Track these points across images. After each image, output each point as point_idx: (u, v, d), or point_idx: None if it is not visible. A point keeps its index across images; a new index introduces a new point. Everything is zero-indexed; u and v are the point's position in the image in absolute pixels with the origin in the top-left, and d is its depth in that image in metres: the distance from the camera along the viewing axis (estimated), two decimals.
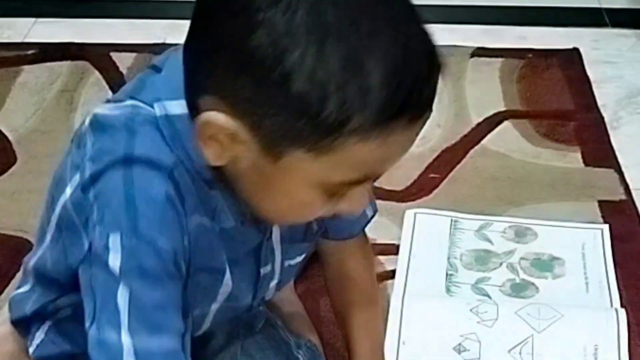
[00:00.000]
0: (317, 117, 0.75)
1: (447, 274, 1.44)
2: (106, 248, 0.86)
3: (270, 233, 1.01)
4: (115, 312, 0.87)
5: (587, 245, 1.49)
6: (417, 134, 0.82)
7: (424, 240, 1.49)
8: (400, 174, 1.66)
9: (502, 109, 1.84)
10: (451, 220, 1.54)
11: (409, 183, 1.64)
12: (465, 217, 1.54)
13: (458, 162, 1.69)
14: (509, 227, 1.53)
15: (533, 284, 1.42)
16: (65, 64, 1.96)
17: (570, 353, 1.28)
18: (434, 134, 1.77)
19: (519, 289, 1.41)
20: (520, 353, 1.29)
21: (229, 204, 0.93)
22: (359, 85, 0.75)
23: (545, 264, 1.46)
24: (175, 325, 0.89)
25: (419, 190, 1.62)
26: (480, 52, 2.01)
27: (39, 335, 1.06)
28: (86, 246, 0.88)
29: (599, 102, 1.86)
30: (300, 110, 0.75)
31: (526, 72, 1.95)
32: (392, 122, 0.77)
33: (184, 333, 0.91)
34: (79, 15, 2.14)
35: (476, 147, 1.73)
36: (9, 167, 1.68)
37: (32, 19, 2.14)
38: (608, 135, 1.76)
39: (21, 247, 1.43)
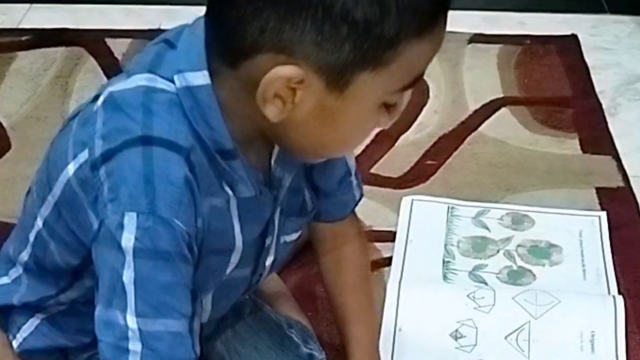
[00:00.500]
0: (381, 34, 0.80)
1: (444, 261, 1.43)
2: (120, 226, 0.85)
3: (281, 202, 1.01)
4: (123, 293, 0.87)
5: (584, 233, 1.49)
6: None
7: (421, 227, 1.49)
8: (397, 160, 1.66)
9: (500, 95, 1.83)
10: (448, 207, 1.53)
11: (406, 170, 1.64)
12: (463, 204, 1.54)
13: (455, 149, 1.69)
14: (506, 214, 1.52)
15: (530, 271, 1.42)
16: (60, 50, 1.95)
17: (567, 339, 1.28)
18: (431, 120, 1.76)
19: (516, 276, 1.41)
20: (517, 339, 1.29)
21: (249, 174, 0.93)
22: None
23: (542, 251, 1.46)
24: (183, 308, 0.89)
25: (416, 177, 1.62)
26: (478, 38, 2.00)
27: (27, 328, 1.05)
28: (95, 225, 0.88)
29: (597, 89, 1.85)
30: (365, 33, 0.80)
31: (524, 58, 1.95)
32: (436, 22, 0.85)
33: (193, 317, 0.91)
34: (73, 1, 2.13)
35: (474, 134, 1.73)
36: (3, 154, 1.68)
37: (27, 5, 2.13)
38: (606, 122, 1.76)
39: None
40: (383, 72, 0.83)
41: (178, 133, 0.87)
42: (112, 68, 1.84)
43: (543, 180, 1.62)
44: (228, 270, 0.99)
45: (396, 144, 1.70)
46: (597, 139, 1.72)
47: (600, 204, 1.56)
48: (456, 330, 1.30)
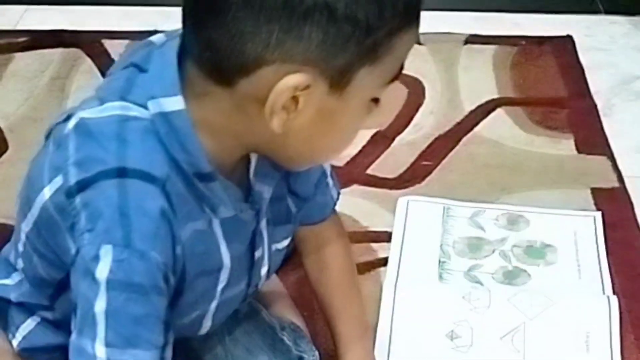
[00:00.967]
0: (379, 29, 0.83)
1: (439, 262, 1.44)
2: (96, 258, 0.86)
3: (263, 215, 1.02)
4: (93, 323, 0.87)
5: (579, 233, 1.49)
6: None
7: (416, 228, 1.49)
8: (393, 161, 1.66)
9: (495, 96, 1.84)
10: (444, 207, 1.54)
11: (401, 170, 1.64)
12: (458, 204, 1.54)
13: (451, 150, 1.69)
14: (502, 214, 1.53)
15: (525, 271, 1.42)
16: (57, 52, 1.95)
17: (562, 340, 1.29)
18: (427, 121, 1.77)
19: (511, 276, 1.41)
20: (512, 340, 1.29)
21: (229, 194, 0.93)
22: None
23: (537, 252, 1.46)
24: (153, 339, 0.89)
25: (411, 177, 1.62)
26: (474, 39, 2.01)
27: (26, 327, 1.06)
28: (73, 250, 0.88)
29: (592, 89, 1.86)
30: (367, 31, 0.82)
31: (519, 59, 1.95)
32: (419, 12, 0.88)
33: (165, 346, 0.91)
34: (70, 3, 2.13)
35: (469, 135, 1.73)
36: (1, 155, 1.68)
37: (24, 6, 2.13)
38: (601, 123, 1.77)
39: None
40: (379, 65, 0.85)
41: (153, 162, 0.87)
42: (109, 69, 1.83)
43: (538, 180, 1.62)
44: (219, 288, 0.99)
45: (392, 145, 1.70)
46: (592, 139, 1.73)
47: (595, 204, 1.56)
48: (452, 331, 1.30)
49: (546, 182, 1.62)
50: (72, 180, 0.87)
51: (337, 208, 1.53)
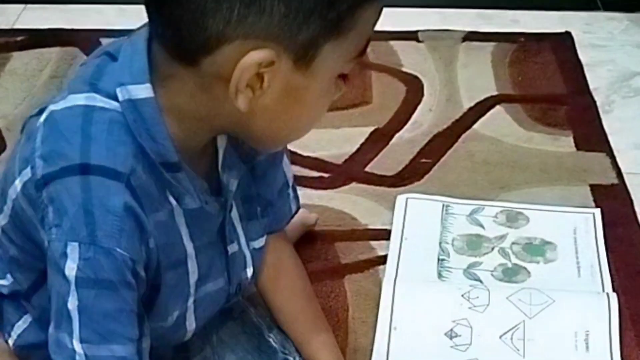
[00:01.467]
0: (342, 2, 0.83)
1: (438, 259, 1.43)
2: (64, 255, 0.87)
3: (231, 208, 1.02)
4: (68, 319, 0.88)
5: (578, 230, 1.49)
6: None
7: (415, 226, 1.49)
8: (391, 159, 1.66)
9: (494, 93, 1.84)
10: (443, 205, 1.54)
11: (400, 168, 1.64)
12: (457, 201, 1.54)
13: (450, 147, 1.69)
14: (501, 211, 1.53)
15: (525, 268, 1.42)
16: (55, 50, 1.95)
17: (561, 338, 1.29)
18: (425, 118, 1.77)
19: (510, 274, 1.41)
20: (511, 338, 1.29)
21: (194, 185, 0.93)
22: None
23: (536, 249, 1.46)
24: (128, 333, 0.90)
25: (410, 175, 1.62)
26: (472, 36, 2.00)
27: (21, 325, 1.06)
28: (46, 243, 0.89)
29: (591, 86, 1.85)
30: (329, 4, 0.82)
31: (518, 56, 1.95)
32: None
33: (141, 338, 0.92)
34: (68, 1, 2.13)
35: (468, 132, 1.73)
36: None
37: (21, 5, 2.13)
38: (600, 119, 1.76)
39: None
40: (344, 40, 0.85)
41: (117, 157, 0.87)
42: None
43: (537, 177, 1.62)
44: (191, 282, 0.99)
45: (391, 143, 1.70)
46: (591, 136, 1.72)
47: (595, 201, 1.56)
48: (451, 330, 1.30)
49: (545, 179, 1.61)
50: (39, 173, 0.88)
51: (336, 206, 1.54)
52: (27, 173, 0.90)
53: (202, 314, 1.05)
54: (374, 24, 0.88)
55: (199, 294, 1.02)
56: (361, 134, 1.71)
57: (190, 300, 1.01)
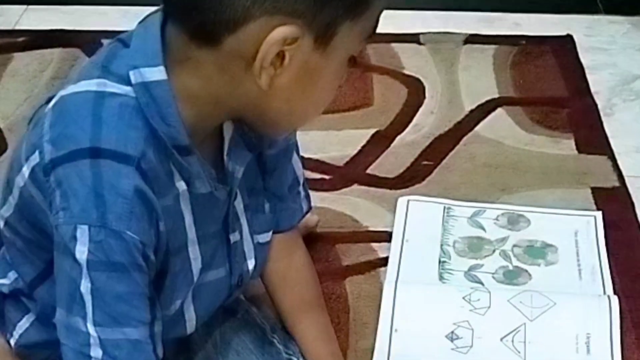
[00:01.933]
0: None
1: (440, 261, 1.43)
2: (73, 238, 0.87)
3: (235, 196, 1.02)
4: (81, 302, 0.88)
5: (580, 233, 1.49)
6: None
7: (416, 228, 1.49)
8: (393, 161, 1.66)
9: (496, 95, 1.84)
10: (444, 207, 1.54)
11: (402, 170, 1.64)
12: (458, 204, 1.54)
13: (451, 149, 1.69)
14: (502, 214, 1.53)
15: (526, 271, 1.42)
16: (56, 51, 1.95)
17: (562, 341, 1.28)
18: (427, 121, 1.77)
19: (511, 276, 1.41)
20: (512, 341, 1.29)
21: (204, 170, 0.94)
22: None
23: (538, 251, 1.46)
24: (140, 316, 0.90)
25: (412, 177, 1.62)
26: (474, 39, 2.00)
27: (23, 325, 1.06)
28: (55, 230, 0.89)
29: (593, 89, 1.86)
30: None
31: (519, 59, 1.95)
32: None
33: (153, 322, 0.92)
34: (69, 2, 2.13)
35: (469, 134, 1.73)
36: (0, 155, 1.67)
37: (23, 6, 2.13)
38: (601, 122, 1.76)
39: None
40: (359, 20, 0.87)
41: (127, 142, 0.87)
42: None
43: (539, 180, 1.62)
44: (195, 270, 1.00)
45: (392, 145, 1.70)
46: (593, 139, 1.72)
47: (596, 203, 1.56)
48: (452, 332, 1.30)
49: (546, 182, 1.61)
50: (47, 157, 0.88)
51: (338, 208, 1.54)
52: (35, 158, 0.90)
53: (202, 304, 1.04)
54: (384, 6, 0.90)
55: (199, 281, 1.02)
56: (363, 136, 1.71)
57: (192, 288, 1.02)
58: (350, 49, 0.90)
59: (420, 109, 1.80)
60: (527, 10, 2.11)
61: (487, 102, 1.81)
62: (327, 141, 1.69)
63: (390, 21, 1.99)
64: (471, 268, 1.42)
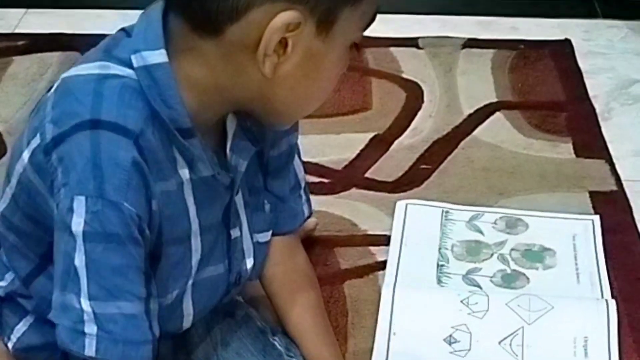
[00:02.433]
0: None
1: (438, 265, 1.44)
2: (70, 210, 0.87)
3: (237, 190, 1.03)
4: (75, 277, 0.88)
5: (578, 236, 1.49)
6: None
7: (415, 231, 1.49)
8: (391, 165, 1.67)
9: (494, 100, 1.84)
10: (442, 211, 1.54)
11: (400, 174, 1.64)
12: (457, 208, 1.55)
13: (450, 153, 1.69)
14: (500, 218, 1.53)
15: (524, 274, 1.42)
16: (56, 55, 1.95)
17: (560, 345, 1.29)
18: (425, 125, 1.77)
19: (509, 280, 1.41)
20: (510, 344, 1.29)
21: (206, 154, 0.94)
22: None
23: (536, 255, 1.46)
24: (136, 290, 0.90)
25: (410, 181, 1.62)
26: (472, 43, 2.01)
27: (21, 328, 1.06)
28: (55, 210, 0.89)
29: (591, 93, 1.86)
30: None
31: (518, 63, 1.95)
32: None
33: (149, 298, 0.92)
34: (69, 6, 2.13)
35: (467, 138, 1.73)
36: (0, 158, 1.68)
37: (23, 10, 2.13)
38: (599, 126, 1.77)
39: None
40: (359, 6, 0.88)
41: (127, 117, 0.88)
42: None
43: (537, 184, 1.62)
44: (193, 261, 1.00)
45: (390, 149, 1.71)
46: (591, 143, 1.73)
47: (594, 207, 1.57)
48: (450, 335, 1.30)
49: (545, 186, 1.62)
50: (49, 136, 0.88)
51: (336, 211, 1.55)
52: (36, 140, 0.90)
53: (201, 299, 1.04)
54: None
55: (199, 275, 1.02)
56: (361, 139, 1.72)
57: (190, 282, 1.01)
58: (351, 36, 0.90)
59: (419, 113, 1.80)
60: (525, 14, 2.12)
61: (486, 106, 1.82)
62: (325, 145, 1.70)
63: (389, 25, 2.01)
64: (469, 272, 1.43)
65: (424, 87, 1.87)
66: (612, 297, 1.37)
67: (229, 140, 0.98)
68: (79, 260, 0.87)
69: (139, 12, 0.95)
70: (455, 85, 1.88)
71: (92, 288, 0.88)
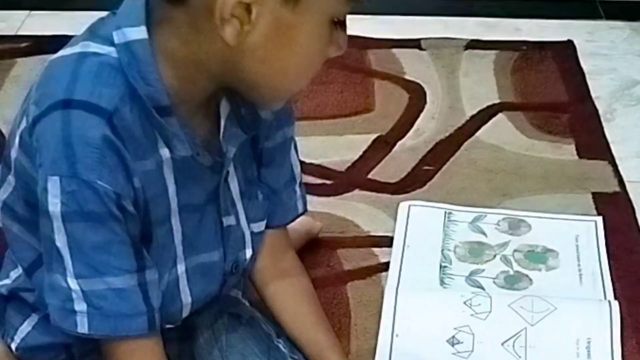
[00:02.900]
0: None
1: (441, 266, 1.44)
2: (44, 190, 0.87)
3: (227, 175, 1.02)
4: (59, 257, 0.89)
5: (580, 237, 1.49)
6: None
7: (418, 233, 1.49)
8: (394, 166, 1.67)
9: (497, 101, 1.84)
10: (445, 212, 1.54)
11: (403, 175, 1.64)
12: (459, 209, 1.55)
13: (452, 155, 1.69)
14: (503, 219, 1.53)
15: (527, 275, 1.42)
16: None
17: (563, 346, 1.29)
18: (428, 126, 1.77)
19: (512, 281, 1.41)
20: (513, 346, 1.29)
21: (185, 132, 0.93)
22: None
23: (538, 256, 1.46)
24: (123, 264, 0.90)
25: (413, 182, 1.63)
26: (475, 44, 2.01)
27: (24, 329, 1.06)
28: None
29: (593, 94, 1.86)
30: None
31: (520, 64, 1.95)
32: None
33: (143, 270, 0.92)
34: (72, 8, 2.13)
35: (470, 140, 1.73)
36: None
37: (26, 12, 2.14)
38: (602, 128, 1.77)
39: None
40: None
41: (101, 96, 0.88)
42: None
43: (539, 185, 1.62)
44: (176, 241, 0.99)
45: (393, 150, 1.71)
46: (593, 144, 1.73)
47: (597, 208, 1.57)
48: (453, 337, 1.30)
49: (547, 187, 1.62)
50: (30, 118, 0.89)
51: (339, 213, 1.55)
52: (23, 123, 0.91)
53: (196, 286, 1.04)
54: None
55: (190, 263, 1.01)
56: (364, 141, 1.72)
57: (181, 268, 1.01)
58: (330, 9, 0.89)
59: (422, 114, 1.80)
60: (528, 15, 2.12)
61: (488, 107, 1.82)
62: (328, 146, 1.70)
63: (392, 27, 2.01)
64: (472, 273, 1.43)
65: (426, 89, 1.87)
66: (615, 298, 1.37)
67: (222, 126, 0.98)
68: (60, 241, 0.88)
69: None
70: (457, 87, 1.88)
71: (76, 266, 0.89)
